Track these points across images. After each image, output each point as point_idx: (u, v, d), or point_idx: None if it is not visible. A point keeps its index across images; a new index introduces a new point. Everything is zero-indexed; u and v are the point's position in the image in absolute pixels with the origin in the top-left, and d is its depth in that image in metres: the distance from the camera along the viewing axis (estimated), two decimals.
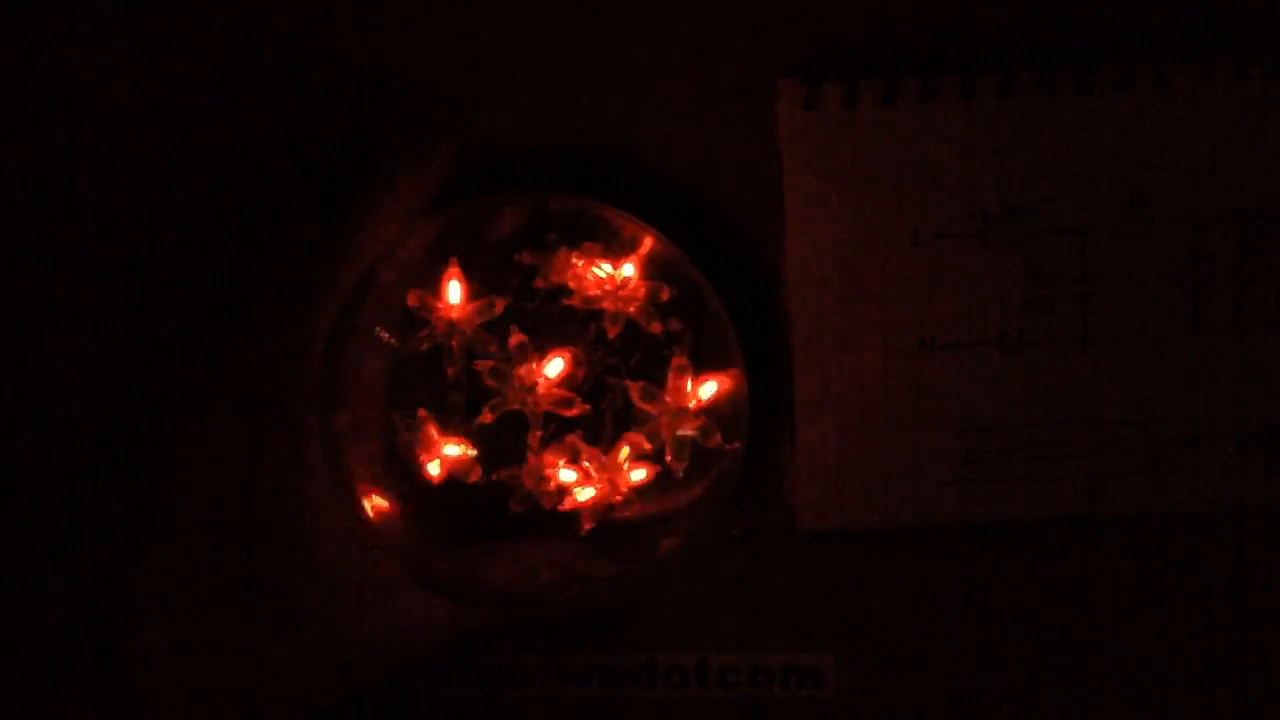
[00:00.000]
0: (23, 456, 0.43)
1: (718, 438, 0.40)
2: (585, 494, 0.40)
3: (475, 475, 0.40)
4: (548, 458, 0.40)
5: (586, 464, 0.40)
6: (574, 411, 0.40)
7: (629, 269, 0.40)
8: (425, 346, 0.40)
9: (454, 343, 0.40)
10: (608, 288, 0.40)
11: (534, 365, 0.40)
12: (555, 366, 0.40)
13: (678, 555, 0.41)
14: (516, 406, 0.40)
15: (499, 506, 0.40)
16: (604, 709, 0.44)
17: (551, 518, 0.40)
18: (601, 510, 0.40)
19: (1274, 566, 0.44)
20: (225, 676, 0.39)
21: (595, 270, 0.40)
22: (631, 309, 0.40)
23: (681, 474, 0.40)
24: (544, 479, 0.40)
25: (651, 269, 0.40)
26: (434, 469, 0.40)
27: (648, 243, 0.40)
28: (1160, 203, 0.41)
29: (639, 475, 0.40)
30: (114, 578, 0.39)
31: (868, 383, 0.42)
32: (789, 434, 0.43)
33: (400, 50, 0.43)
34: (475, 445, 0.40)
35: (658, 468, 0.40)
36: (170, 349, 0.43)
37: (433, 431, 0.40)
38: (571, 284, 0.40)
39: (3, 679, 0.39)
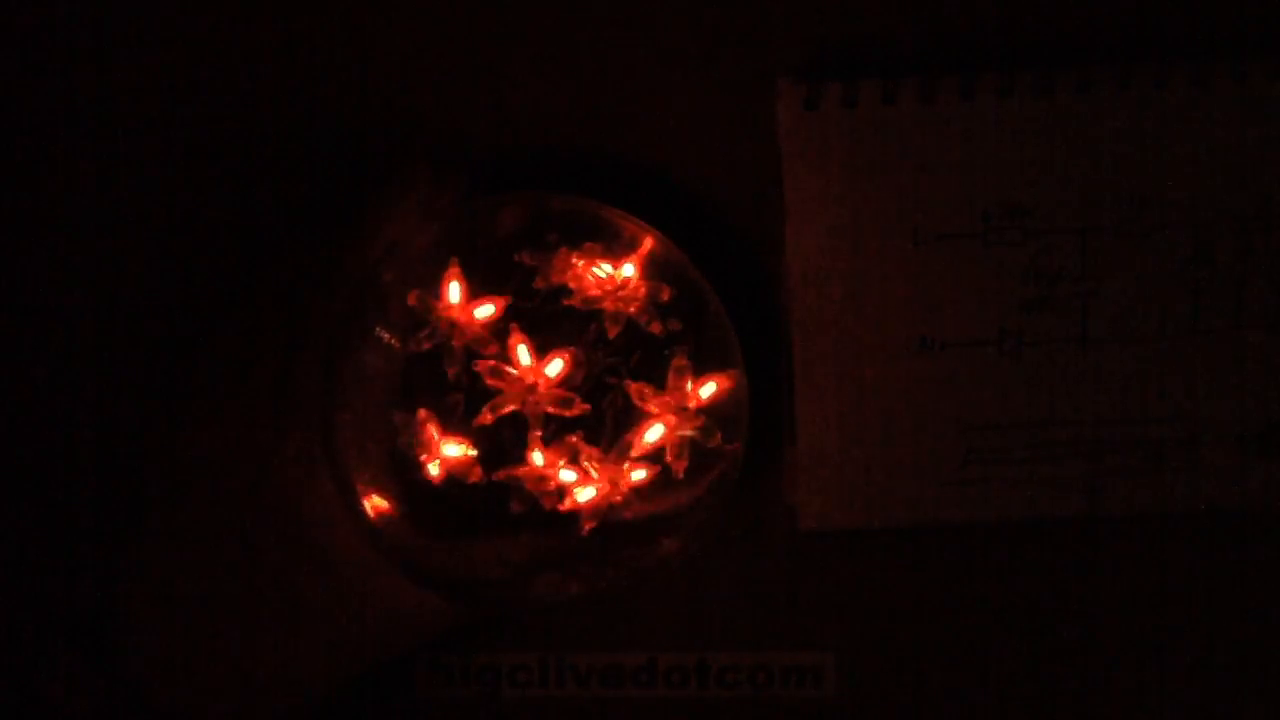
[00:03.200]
0: (23, 450, 0.43)
1: (718, 438, 0.40)
2: (585, 494, 0.40)
3: (475, 475, 0.40)
4: (548, 458, 0.40)
5: (586, 464, 0.40)
6: (574, 411, 0.40)
7: (629, 269, 0.40)
8: (425, 346, 0.40)
9: (454, 343, 0.40)
10: (608, 288, 0.40)
11: (534, 365, 0.40)
12: (555, 366, 0.40)
13: (678, 555, 0.41)
14: (516, 406, 0.40)
15: (499, 506, 0.40)
16: (604, 709, 0.44)
17: (551, 518, 0.40)
18: (601, 510, 0.40)
19: (1274, 566, 0.44)
20: (224, 668, 0.39)
21: (595, 270, 0.40)
22: (631, 309, 0.40)
23: (681, 474, 0.40)
24: (544, 479, 0.40)
25: (651, 269, 0.40)
26: (434, 469, 0.40)
27: (648, 243, 0.40)
28: (1160, 203, 0.41)
29: (639, 475, 0.40)
30: (113, 571, 0.39)
31: (868, 383, 0.42)
32: (789, 434, 0.43)
33: (401, 50, 0.43)
34: (475, 445, 0.40)
35: (658, 468, 0.40)
36: (172, 346, 0.43)
37: (433, 431, 0.40)
38: (571, 284, 0.40)
39: (0, 671, 0.39)
